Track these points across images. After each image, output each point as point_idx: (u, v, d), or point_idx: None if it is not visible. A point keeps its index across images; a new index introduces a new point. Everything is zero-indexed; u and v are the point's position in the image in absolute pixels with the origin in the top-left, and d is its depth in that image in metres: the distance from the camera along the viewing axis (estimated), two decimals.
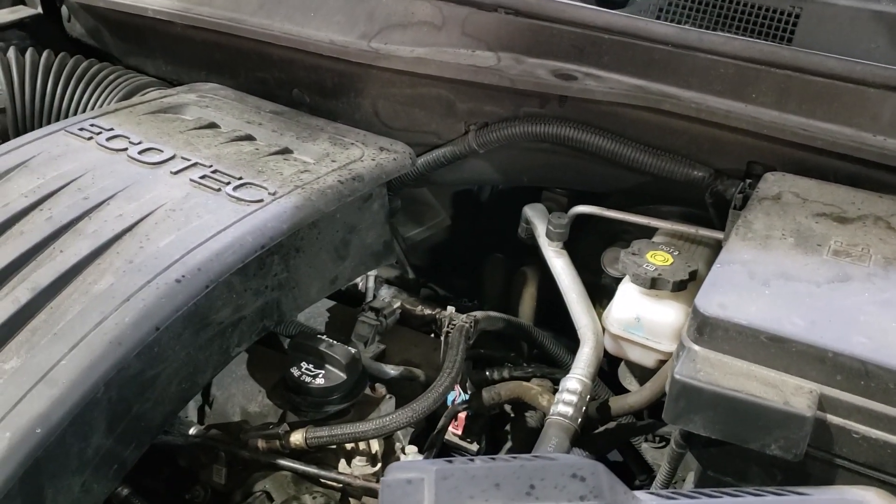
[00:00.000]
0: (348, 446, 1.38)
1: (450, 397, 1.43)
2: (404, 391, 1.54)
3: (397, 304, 1.70)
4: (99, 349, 1.11)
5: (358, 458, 1.35)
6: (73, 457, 1.11)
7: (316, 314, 1.79)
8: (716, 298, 1.10)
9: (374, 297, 1.77)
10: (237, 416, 1.46)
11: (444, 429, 1.39)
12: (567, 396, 1.36)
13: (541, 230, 1.64)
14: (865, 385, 1.01)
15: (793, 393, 1.02)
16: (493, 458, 0.92)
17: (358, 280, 1.77)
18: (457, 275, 2.15)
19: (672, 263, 1.42)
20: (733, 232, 1.24)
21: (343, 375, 1.37)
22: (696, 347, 1.08)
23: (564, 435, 1.32)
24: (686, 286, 1.40)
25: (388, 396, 1.48)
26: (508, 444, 1.57)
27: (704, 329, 1.08)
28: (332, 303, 1.79)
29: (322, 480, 1.33)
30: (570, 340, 1.71)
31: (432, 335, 1.73)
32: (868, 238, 1.23)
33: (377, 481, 1.28)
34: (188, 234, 1.27)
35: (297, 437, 1.32)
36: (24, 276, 1.22)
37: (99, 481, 1.16)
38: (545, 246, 1.61)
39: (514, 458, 0.93)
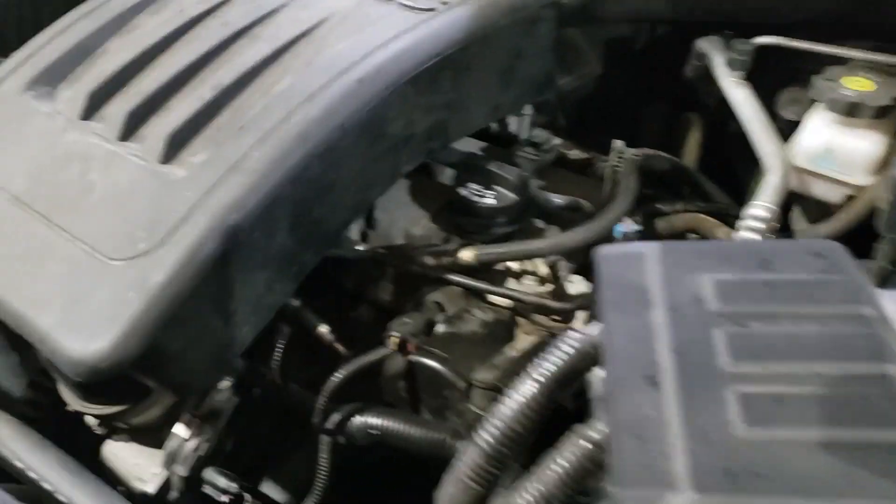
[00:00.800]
0: (516, 268, 1.36)
1: (620, 229, 1.37)
2: (569, 222, 1.50)
3: (556, 141, 1.65)
4: (286, 142, 1.10)
5: (531, 277, 1.32)
6: (259, 251, 1.11)
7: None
8: None
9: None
10: (400, 239, 1.45)
11: None
12: (752, 223, 1.28)
13: (719, 60, 1.53)
14: None
15: None
16: None
17: (510, 122, 1.72)
18: (610, 128, 2.07)
19: (874, 88, 1.31)
20: None
21: (513, 196, 1.34)
22: None
23: None
24: (888, 113, 1.29)
25: (551, 226, 1.44)
26: None
27: None
28: (483, 143, 1.75)
29: (491, 298, 1.31)
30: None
31: None
32: None
33: (551, 299, 1.26)
34: (364, 39, 1.24)
35: (467, 254, 1.29)
36: (204, 77, 1.22)
37: (281, 280, 1.17)
38: (724, 76, 1.51)
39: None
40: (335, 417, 1.16)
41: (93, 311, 1.01)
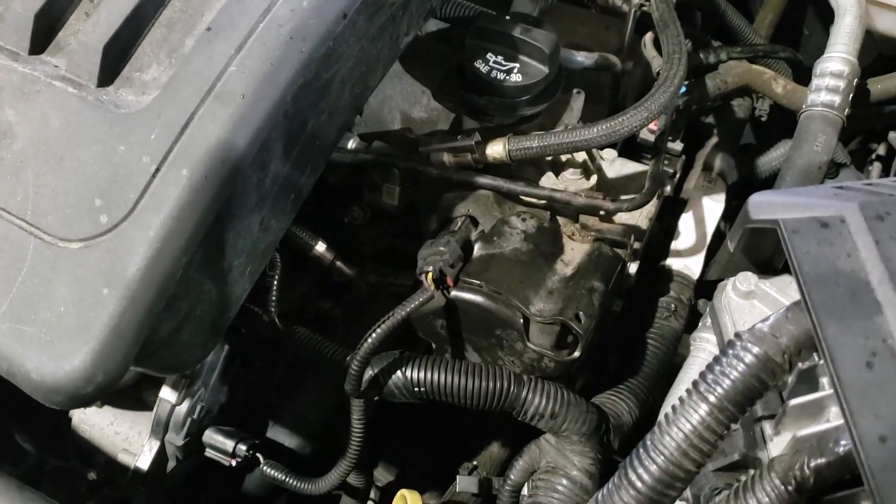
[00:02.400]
0: (548, 158, 1.12)
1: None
2: (594, 83, 1.25)
3: None
4: (278, 48, 0.80)
5: (570, 170, 1.09)
6: (252, 191, 0.85)
7: None
8: None
9: None
10: (396, 124, 1.18)
11: (666, 130, 1.12)
12: (831, 81, 1.07)
13: None
14: None
15: None
16: None
17: None
18: None
19: None
20: None
21: (544, 68, 1.07)
22: None
23: (832, 130, 1.06)
24: None
25: (577, 91, 1.19)
26: (714, 140, 1.30)
27: None
28: None
29: (526, 199, 1.08)
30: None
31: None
32: None
33: (603, 198, 1.04)
34: None
35: (495, 149, 1.04)
36: None
37: (277, 216, 0.92)
38: None
39: None
40: (369, 375, 0.96)
41: (56, 317, 0.75)
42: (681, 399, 0.62)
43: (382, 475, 1.26)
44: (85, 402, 0.76)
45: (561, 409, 0.95)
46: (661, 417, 0.64)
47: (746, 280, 0.79)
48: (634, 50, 1.30)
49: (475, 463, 1.19)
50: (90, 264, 0.75)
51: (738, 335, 0.61)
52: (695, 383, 0.62)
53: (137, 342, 0.76)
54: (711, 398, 0.60)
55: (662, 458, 0.61)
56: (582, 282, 1.00)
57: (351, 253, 1.18)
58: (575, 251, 1.06)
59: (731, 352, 0.61)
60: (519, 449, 1.10)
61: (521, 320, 0.97)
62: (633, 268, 1.08)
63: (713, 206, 1.19)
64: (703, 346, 0.94)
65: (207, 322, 0.89)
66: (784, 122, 1.45)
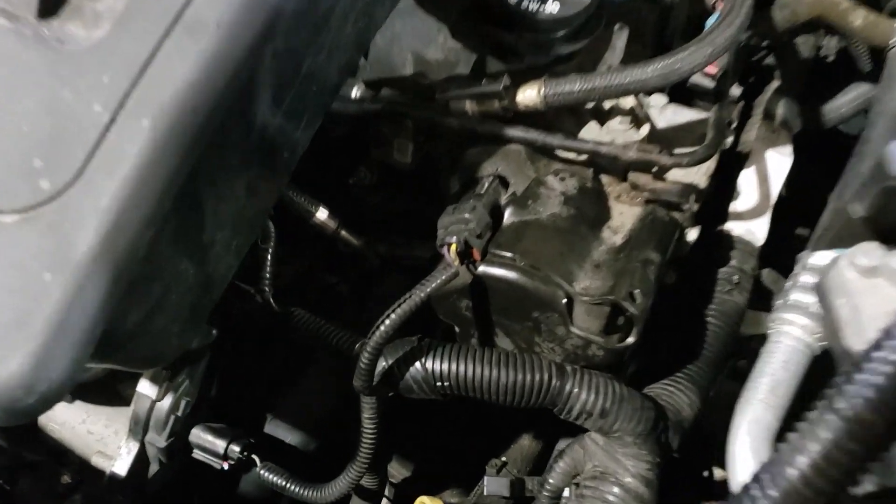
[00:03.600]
0: (590, 104, 0.95)
1: None
2: (635, 18, 1.08)
3: None
4: None
5: (618, 118, 0.92)
6: (234, 147, 0.70)
7: None
8: None
9: None
10: (408, 67, 1.01)
11: (729, 70, 0.95)
12: None
13: None
14: None
15: None
16: None
17: None
18: None
19: None
20: None
21: None
22: None
23: None
24: None
25: (619, 27, 1.02)
26: (775, 83, 1.13)
27: None
28: None
29: (564, 154, 0.91)
30: None
31: None
32: None
33: (659, 151, 0.87)
34: None
35: (528, 95, 0.88)
36: None
37: (267, 178, 0.78)
38: None
39: None
40: (382, 367, 0.80)
41: None
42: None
43: (397, 470, 1.12)
44: (26, 415, 0.60)
45: (612, 406, 0.79)
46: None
47: (869, 253, 0.62)
48: None
49: (504, 459, 1.04)
50: (29, 242, 0.59)
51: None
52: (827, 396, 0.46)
53: (91, 339, 0.61)
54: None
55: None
56: (634, 253, 0.84)
57: (358, 220, 1.02)
58: (624, 216, 0.89)
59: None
60: (553, 441, 0.96)
61: (564, 300, 0.81)
62: (692, 234, 0.91)
63: (779, 161, 1.03)
64: (786, 330, 0.77)
65: (186, 307, 0.74)
66: (848, 62, 1.27)
